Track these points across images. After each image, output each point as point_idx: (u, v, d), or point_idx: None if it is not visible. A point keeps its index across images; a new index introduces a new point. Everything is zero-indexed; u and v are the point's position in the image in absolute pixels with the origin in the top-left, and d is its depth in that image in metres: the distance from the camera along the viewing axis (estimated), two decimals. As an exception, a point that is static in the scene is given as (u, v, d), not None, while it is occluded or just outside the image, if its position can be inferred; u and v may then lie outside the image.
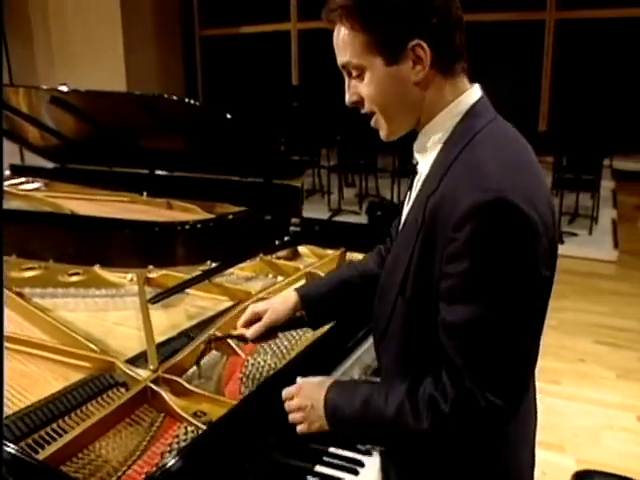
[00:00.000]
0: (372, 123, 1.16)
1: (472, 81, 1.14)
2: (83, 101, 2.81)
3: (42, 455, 1.16)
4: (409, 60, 1.06)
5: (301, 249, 2.41)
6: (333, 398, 1.18)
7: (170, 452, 1.23)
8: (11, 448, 1.14)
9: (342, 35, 1.09)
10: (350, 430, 1.19)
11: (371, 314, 1.28)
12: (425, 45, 1.04)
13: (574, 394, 3.33)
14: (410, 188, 1.20)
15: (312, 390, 1.22)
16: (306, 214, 2.72)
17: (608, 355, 3.74)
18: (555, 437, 2.92)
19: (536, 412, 1.30)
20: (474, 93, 1.12)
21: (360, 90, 1.12)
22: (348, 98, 1.15)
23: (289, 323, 1.43)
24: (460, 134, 1.08)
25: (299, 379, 1.27)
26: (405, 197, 1.25)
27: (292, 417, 1.23)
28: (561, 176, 5.74)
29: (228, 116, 2.47)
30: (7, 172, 3.58)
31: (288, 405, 1.25)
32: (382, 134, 1.16)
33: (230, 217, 2.53)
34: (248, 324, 1.42)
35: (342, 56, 1.11)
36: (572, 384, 3.41)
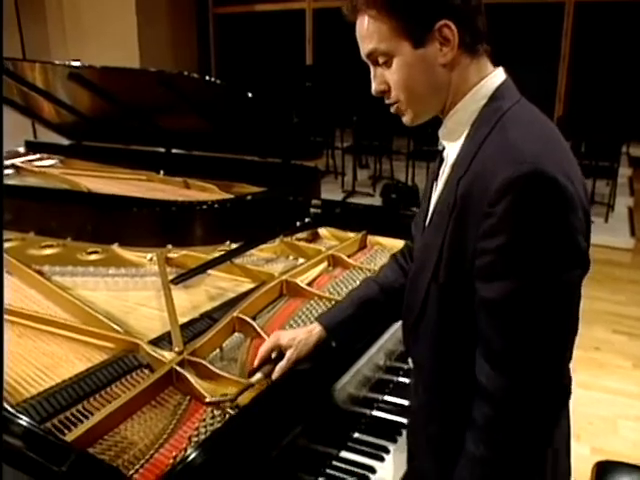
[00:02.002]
0: (393, 109, 1.14)
1: (501, 67, 1.13)
2: (100, 77, 2.77)
3: (70, 437, 1.15)
4: (436, 42, 1.05)
5: (321, 231, 2.38)
6: None
7: (197, 436, 1.21)
8: (39, 429, 1.13)
9: (367, 24, 1.08)
10: None
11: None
12: (452, 25, 1.04)
13: (590, 383, 3.30)
14: (436, 177, 1.18)
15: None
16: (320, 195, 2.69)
17: (624, 344, 3.71)
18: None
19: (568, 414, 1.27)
20: (498, 75, 1.11)
21: (387, 78, 1.10)
22: (375, 87, 1.13)
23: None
24: (487, 116, 1.07)
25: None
26: (429, 187, 1.23)
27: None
28: (578, 163, 5.66)
29: (249, 95, 2.43)
30: (22, 149, 3.57)
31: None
32: (406, 119, 1.15)
33: (249, 197, 2.50)
34: (267, 354, 1.40)
35: (368, 45, 1.09)
36: (587, 373, 3.38)
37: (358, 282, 1.93)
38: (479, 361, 1.04)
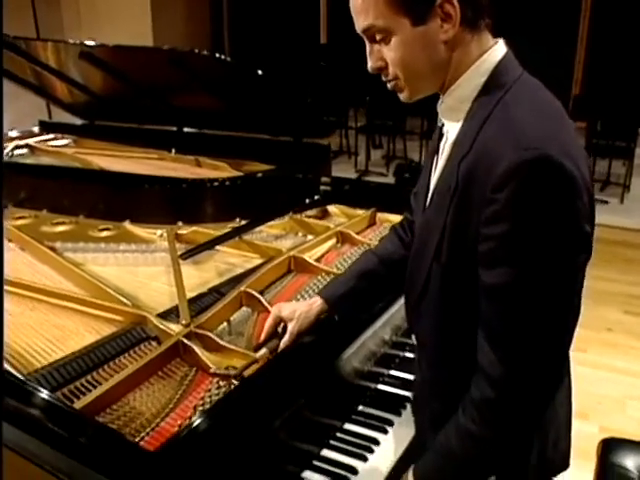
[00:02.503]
0: (390, 86, 1.11)
1: (501, 39, 1.09)
2: (112, 56, 2.78)
3: (78, 405, 1.18)
4: (437, 18, 1.01)
5: (331, 208, 2.38)
6: (418, 473, 1.17)
7: (203, 405, 1.24)
8: (49, 396, 1.16)
9: None
10: None
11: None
12: (455, 1, 0.99)
13: (600, 363, 3.30)
14: (437, 152, 1.16)
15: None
16: (332, 175, 2.69)
17: (636, 325, 3.69)
18: (579, 405, 2.89)
19: (570, 394, 1.28)
20: (499, 49, 1.07)
21: (385, 54, 1.06)
22: (372, 64, 1.09)
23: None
24: (489, 93, 1.03)
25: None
26: (429, 161, 1.20)
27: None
28: (594, 142, 5.61)
29: (259, 72, 2.43)
30: (36, 128, 3.60)
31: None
32: (403, 96, 1.12)
33: (260, 175, 2.51)
34: (273, 328, 1.42)
35: (364, 20, 1.05)
36: (598, 353, 3.37)
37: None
38: (480, 342, 1.03)
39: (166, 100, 3.01)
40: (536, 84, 1.07)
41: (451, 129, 1.10)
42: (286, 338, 1.38)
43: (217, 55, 2.52)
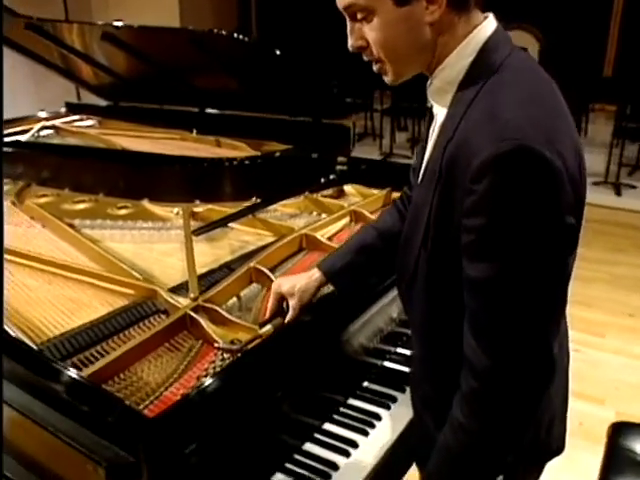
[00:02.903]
0: (376, 69, 1.07)
1: (490, 13, 1.04)
2: (134, 37, 2.81)
3: (86, 372, 1.22)
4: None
5: (347, 188, 2.40)
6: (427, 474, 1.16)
7: (206, 376, 1.27)
8: (58, 365, 1.21)
9: None
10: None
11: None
12: None
13: (619, 348, 3.26)
14: (427, 133, 1.14)
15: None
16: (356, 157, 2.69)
17: (660, 311, 3.65)
18: (596, 390, 2.89)
19: (568, 357, 1.26)
20: (488, 26, 1.02)
21: (367, 34, 1.02)
22: (352, 43, 1.05)
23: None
24: (475, 75, 0.99)
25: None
26: (424, 142, 1.18)
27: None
28: (623, 125, 5.49)
29: (277, 52, 2.44)
30: (63, 109, 3.66)
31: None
32: (388, 79, 1.08)
33: (277, 154, 2.53)
34: (275, 305, 1.42)
35: None
36: (619, 339, 3.34)
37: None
38: (465, 334, 1.01)
39: (188, 81, 3.04)
40: (527, 63, 1.03)
41: (440, 111, 1.07)
42: (290, 315, 1.40)
43: (236, 35, 2.53)
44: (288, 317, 1.40)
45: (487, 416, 1.01)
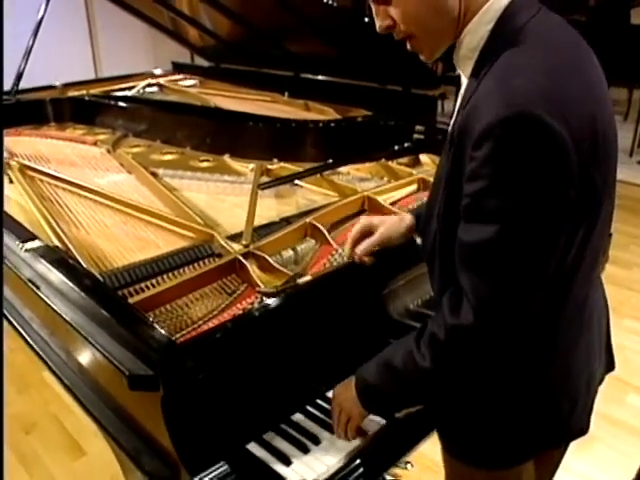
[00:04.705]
0: (409, 47, 1.05)
1: None
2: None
3: (132, 300, 1.33)
4: None
5: (423, 157, 2.39)
6: (359, 376, 1.18)
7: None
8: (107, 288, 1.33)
9: None
10: (378, 400, 1.17)
11: None
12: None
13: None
14: (455, 101, 1.12)
15: (343, 389, 1.22)
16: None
17: None
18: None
19: (600, 337, 1.22)
20: None
21: (392, 12, 1.01)
22: (380, 24, 1.03)
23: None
24: (495, 42, 0.97)
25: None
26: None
27: (340, 422, 1.21)
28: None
29: (365, 20, 2.46)
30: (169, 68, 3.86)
31: (333, 416, 1.23)
32: (423, 57, 1.07)
33: (359, 119, 2.55)
34: (360, 236, 1.38)
35: None
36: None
37: (443, 205, 1.96)
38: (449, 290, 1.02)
39: (284, 45, 3.11)
40: (550, 27, 0.99)
41: (463, 79, 1.05)
42: (374, 238, 1.35)
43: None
44: (371, 240, 1.36)
45: (443, 364, 1.03)
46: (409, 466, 1.71)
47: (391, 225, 1.37)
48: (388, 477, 1.89)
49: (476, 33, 0.99)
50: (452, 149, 0.99)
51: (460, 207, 0.97)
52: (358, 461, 1.19)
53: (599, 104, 0.96)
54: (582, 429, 1.20)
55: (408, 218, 1.39)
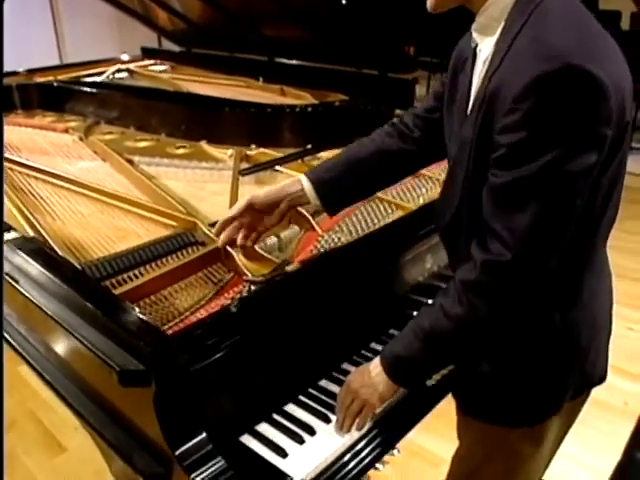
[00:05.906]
0: None
1: None
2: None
3: (118, 291, 1.28)
4: None
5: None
6: (387, 354, 1.18)
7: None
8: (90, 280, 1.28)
9: None
10: (412, 370, 1.17)
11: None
12: None
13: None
14: (472, 72, 1.13)
15: (358, 376, 1.21)
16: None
17: None
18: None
19: (611, 295, 1.25)
20: None
21: None
22: None
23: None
24: (521, 8, 1.00)
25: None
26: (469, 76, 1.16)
27: (351, 411, 1.19)
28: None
29: (343, 1, 2.42)
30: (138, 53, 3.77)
31: (343, 406, 1.21)
32: (428, 5, 1.10)
33: (336, 104, 2.52)
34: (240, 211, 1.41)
35: None
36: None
37: (425, 190, 1.95)
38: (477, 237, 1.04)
39: (258, 29, 3.06)
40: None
41: (484, 47, 1.08)
42: (273, 219, 1.41)
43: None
44: (271, 221, 1.40)
45: (476, 305, 1.03)
46: (396, 452, 1.70)
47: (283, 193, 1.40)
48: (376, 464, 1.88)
49: (500, 2, 1.02)
50: (483, 108, 1.01)
51: (489, 163, 0.99)
52: (354, 450, 1.17)
53: (624, 62, 1.01)
54: (602, 377, 1.26)
55: (303, 182, 1.39)
